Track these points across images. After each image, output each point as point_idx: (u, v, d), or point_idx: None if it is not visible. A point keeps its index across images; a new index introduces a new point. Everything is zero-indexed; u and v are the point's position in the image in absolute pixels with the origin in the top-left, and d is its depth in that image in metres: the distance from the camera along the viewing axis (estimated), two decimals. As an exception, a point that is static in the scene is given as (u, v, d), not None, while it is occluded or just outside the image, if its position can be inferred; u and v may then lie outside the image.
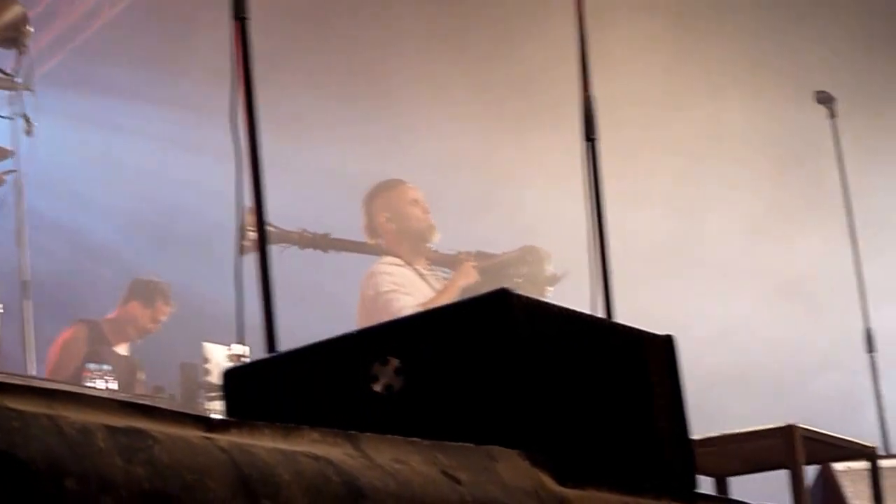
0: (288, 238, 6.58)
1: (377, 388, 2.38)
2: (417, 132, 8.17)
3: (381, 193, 6.75)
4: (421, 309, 6.24)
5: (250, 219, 3.25)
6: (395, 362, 2.37)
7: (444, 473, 2.07)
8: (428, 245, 6.69)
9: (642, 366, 2.62)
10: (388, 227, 6.63)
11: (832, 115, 6.33)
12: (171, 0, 8.67)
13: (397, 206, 6.69)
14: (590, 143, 3.42)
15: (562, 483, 2.27)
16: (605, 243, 3.29)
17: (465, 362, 2.34)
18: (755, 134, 8.42)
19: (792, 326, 8.35)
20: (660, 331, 2.73)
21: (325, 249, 6.73)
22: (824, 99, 6.36)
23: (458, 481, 2.09)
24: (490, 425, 2.30)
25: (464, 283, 6.59)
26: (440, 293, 6.52)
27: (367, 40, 8.41)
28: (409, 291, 6.44)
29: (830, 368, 7.95)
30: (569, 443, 2.40)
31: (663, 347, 2.69)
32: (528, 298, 2.36)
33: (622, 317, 2.96)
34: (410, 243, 6.63)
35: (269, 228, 6.23)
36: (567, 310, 2.46)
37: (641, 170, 8.28)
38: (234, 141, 2.95)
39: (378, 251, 6.66)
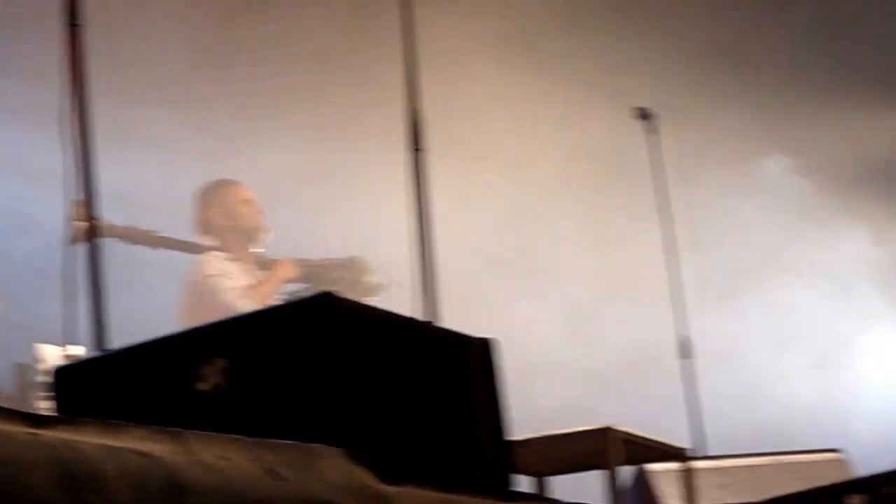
0: (114, 232, 6.57)
1: (204, 387, 2.44)
2: (250, 143, 8.15)
3: (215, 190, 6.82)
4: (245, 292, 6.38)
5: (78, 211, 3.27)
6: (221, 362, 2.43)
7: (268, 470, 2.14)
8: (256, 246, 6.77)
9: (462, 368, 2.72)
10: (219, 223, 6.70)
11: (652, 131, 6.56)
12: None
13: (230, 204, 6.76)
14: (416, 154, 3.51)
15: (383, 481, 2.35)
16: (431, 251, 3.38)
17: (290, 363, 2.41)
18: (583, 148, 8.67)
19: (615, 331, 8.60)
20: (487, 335, 2.84)
21: (152, 246, 6.75)
22: (644, 115, 6.58)
23: (281, 478, 2.15)
24: (314, 424, 2.37)
25: (283, 277, 6.72)
26: (262, 282, 6.63)
27: (198, 52, 8.35)
28: (234, 278, 6.53)
29: (651, 373, 8.20)
30: (391, 442, 2.49)
31: (482, 351, 2.80)
32: (352, 302, 2.44)
33: (451, 323, 3.05)
34: (240, 241, 6.71)
35: (96, 222, 6.26)
36: (390, 313, 2.55)
37: (473, 182, 8.44)
38: (62, 143, 2.97)
39: (205, 251, 6.71)
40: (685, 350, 6.40)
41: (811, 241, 9.15)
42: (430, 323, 3.10)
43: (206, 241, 6.75)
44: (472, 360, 2.74)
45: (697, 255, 7.51)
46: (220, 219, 6.72)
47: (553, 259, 8.72)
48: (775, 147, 9.26)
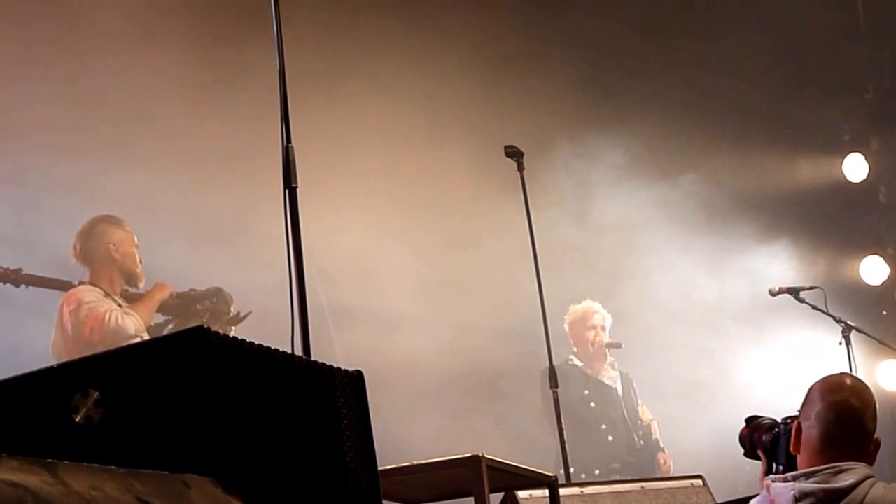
0: None
1: (78, 418, 2.48)
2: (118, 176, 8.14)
3: (111, 226, 6.92)
4: (125, 313, 6.47)
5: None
6: (95, 394, 2.48)
7: (139, 499, 2.19)
8: (127, 288, 6.88)
9: (331, 399, 2.80)
10: (111, 256, 6.79)
11: (520, 168, 6.76)
12: None
13: (123, 243, 6.86)
14: (289, 191, 3.58)
15: (253, 509, 2.42)
16: (304, 285, 3.45)
17: (162, 394, 2.47)
18: (460, 182, 8.86)
19: (498, 351, 8.80)
20: (354, 366, 2.92)
21: (17, 284, 6.79)
22: (513, 153, 6.79)
23: (152, 507, 2.21)
24: (185, 455, 2.43)
25: (160, 297, 6.85)
26: (139, 303, 6.74)
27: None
28: (111, 304, 6.61)
29: (526, 400, 8.39)
30: (260, 471, 2.55)
31: (353, 383, 2.89)
32: (223, 335, 2.51)
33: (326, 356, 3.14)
34: (118, 280, 6.82)
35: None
36: (260, 346, 2.62)
37: (348, 217, 8.57)
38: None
39: (70, 288, 6.78)
40: (554, 380, 6.54)
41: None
42: (300, 356, 3.17)
43: (81, 268, 6.81)
44: (341, 391, 2.83)
45: (556, 285, 7.66)
46: (111, 254, 6.80)
47: (416, 290, 8.88)
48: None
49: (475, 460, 4.33)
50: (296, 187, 3.57)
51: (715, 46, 9.78)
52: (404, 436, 7.28)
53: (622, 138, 9.52)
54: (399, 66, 8.79)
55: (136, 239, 6.93)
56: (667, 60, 9.79)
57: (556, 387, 6.52)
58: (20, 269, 6.80)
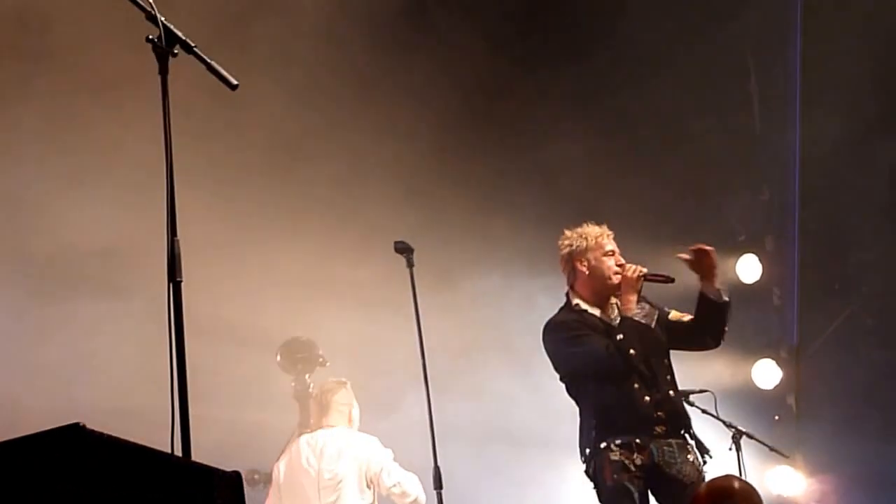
0: None
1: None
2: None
3: (335, 391, 7.51)
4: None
5: None
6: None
7: None
8: None
9: (209, 500, 2.75)
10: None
11: (410, 265, 6.76)
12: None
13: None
14: (174, 285, 3.50)
15: None
16: (186, 383, 3.34)
17: (42, 492, 2.41)
18: (354, 280, 8.86)
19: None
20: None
21: None
22: (403, 249, 6.80)
23: None
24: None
25: None
26: None
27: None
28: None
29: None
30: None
31: (230, 482, 2.84)
32: (99, 433, 2.46)
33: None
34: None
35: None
36: (138, 446, 2.57)
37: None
38: None
39: None
40: (439, 482, 6.43)
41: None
42: (180, 456, 3.10)
43: None
44: (220, 491, 2.78)
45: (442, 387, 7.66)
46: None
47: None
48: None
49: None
50: (180, 281, 3.50)
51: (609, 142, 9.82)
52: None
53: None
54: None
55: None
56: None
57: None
58: None
